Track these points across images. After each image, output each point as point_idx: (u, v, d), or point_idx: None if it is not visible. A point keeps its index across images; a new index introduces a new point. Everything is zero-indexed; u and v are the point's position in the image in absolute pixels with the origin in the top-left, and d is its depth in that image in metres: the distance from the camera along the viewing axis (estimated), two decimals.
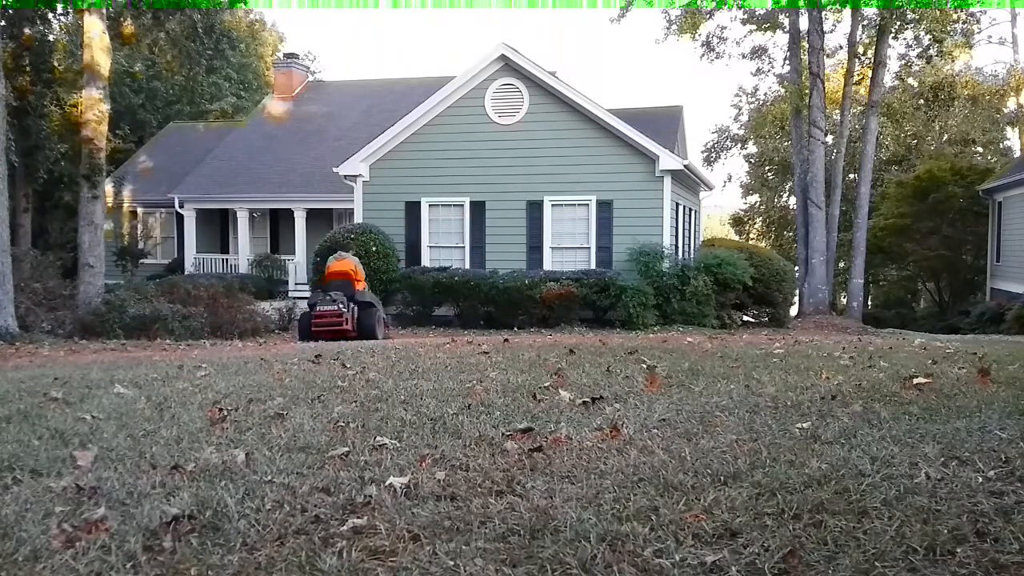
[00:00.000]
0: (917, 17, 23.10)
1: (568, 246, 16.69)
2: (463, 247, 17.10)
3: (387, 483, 2.80)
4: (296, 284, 22.02)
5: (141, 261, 23.20)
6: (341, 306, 11.64)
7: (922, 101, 33.34)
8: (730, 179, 55.25)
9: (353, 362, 6.69)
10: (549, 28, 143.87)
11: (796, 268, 23.64)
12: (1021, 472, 2.70)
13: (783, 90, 28.16)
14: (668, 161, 16.08)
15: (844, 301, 29.12)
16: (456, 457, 3.22)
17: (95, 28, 15.12)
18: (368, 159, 17.43)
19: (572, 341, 9.31)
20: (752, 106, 38.02)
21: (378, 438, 3.53)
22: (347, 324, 11.70)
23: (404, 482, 2.79)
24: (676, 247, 17.27)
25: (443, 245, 17.21)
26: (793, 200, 33.37)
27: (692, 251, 19.66)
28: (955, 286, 27.67)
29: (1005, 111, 33.75)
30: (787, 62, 26.11)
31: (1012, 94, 32.61)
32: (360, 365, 6.45)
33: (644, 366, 5.70)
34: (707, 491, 2.65)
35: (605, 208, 16.42)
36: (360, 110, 25.34)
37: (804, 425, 3.55)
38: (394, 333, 13.59)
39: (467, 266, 16.76)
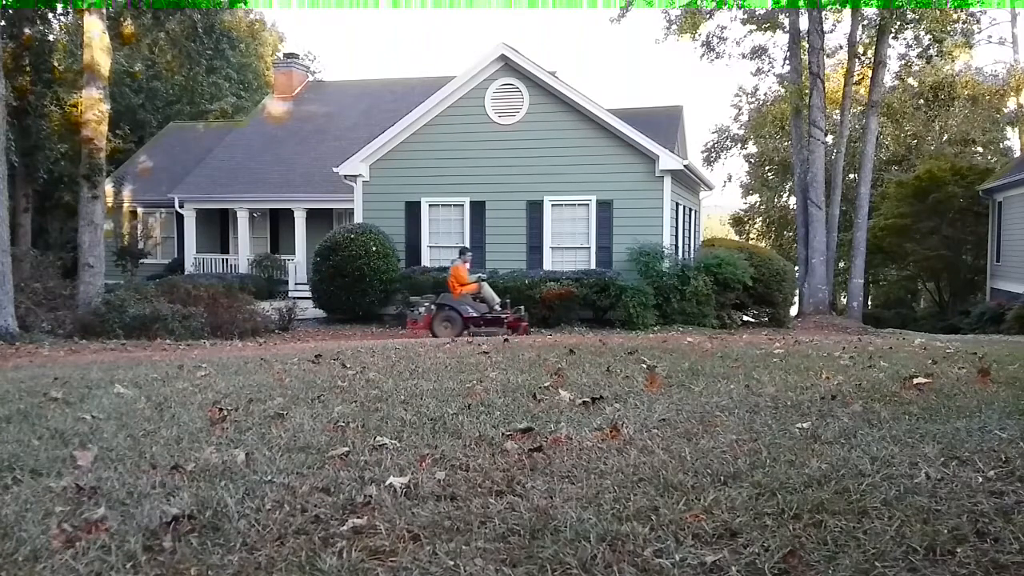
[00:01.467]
0: (917, 17, 23.08)
1: (568, 246, 16.69)
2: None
3: (387, 483, 2.80)
4: (296, 284, 21.99)
5: (141, 261, 23.21)
6: (416, 310, 14.09)
7: (922, 101, 33.33)
8: (730, 179, 55.50)
9: (353, 362, 6.69)
10: (549, 28, 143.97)
11: (796, 268, 23.62)
12: (1021, 472, 2.70)
13: (783, 90, 28.15)
14: (668, 161, 16.07)
15: (844, 301, 29.10)
16: (456, 457, 3.22)
17: (95, 28, 15.12)
18: (368, 159, 17.43)
19: (572, 341, 9.31)
20: (752, 106, 38.03)
21: (378, 438, 3.53)
22: (418, 324, 13.95)
23: (404, 482, 2.79)
24: (676, 247, 17.26)
25: (443, 245, 17.21)
26: (793, 200, 33.37)
27: (692, 251, 19.65)
28: (955, 286, 27.66)
29: (1005, 111, 33.73)
30: (787, 62, 26.09)
31: (1012, 94, 32.60)
32: (360, 365, 6.45)
33: (644, 366, 5.70)
34: (707, 491, 2.65)
35: (605, 208, 16.41)
36: (360, 110, 25.32)
37: (804, 425, 3.54)
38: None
39: None
